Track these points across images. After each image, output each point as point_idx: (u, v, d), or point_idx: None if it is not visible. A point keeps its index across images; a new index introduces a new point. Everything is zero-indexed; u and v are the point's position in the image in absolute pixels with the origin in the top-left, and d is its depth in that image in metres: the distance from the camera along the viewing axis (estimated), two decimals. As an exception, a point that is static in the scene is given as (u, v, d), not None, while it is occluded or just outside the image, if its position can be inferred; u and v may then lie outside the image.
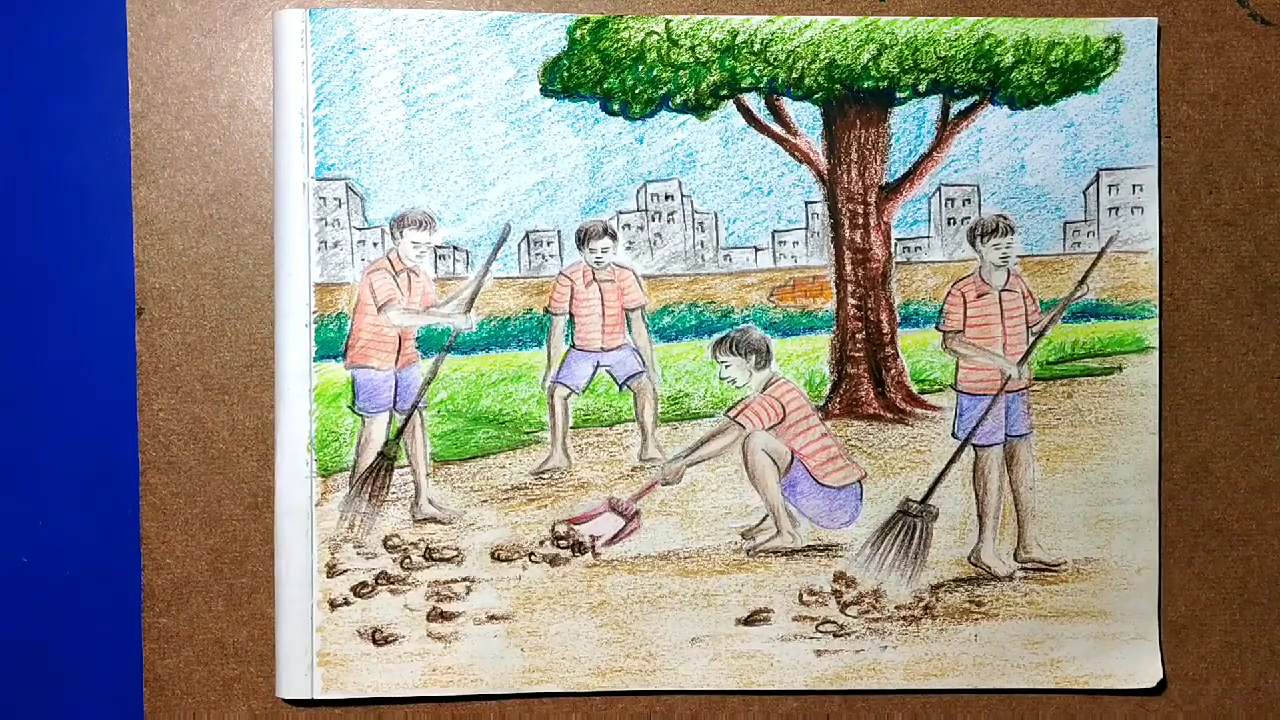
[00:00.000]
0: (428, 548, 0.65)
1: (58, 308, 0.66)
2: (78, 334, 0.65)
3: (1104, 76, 0.65)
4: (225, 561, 0.65)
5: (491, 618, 0.65)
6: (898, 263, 0.65)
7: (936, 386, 0.66)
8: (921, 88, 0.65)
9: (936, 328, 0.66)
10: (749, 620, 0.65)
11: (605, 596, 0.65)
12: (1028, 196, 0.65)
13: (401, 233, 0.64)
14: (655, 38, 0.64)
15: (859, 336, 0.65)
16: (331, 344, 0.64)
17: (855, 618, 0.65)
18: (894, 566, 0.65)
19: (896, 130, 0.65)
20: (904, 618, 0.65)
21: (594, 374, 0.65)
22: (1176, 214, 0.66)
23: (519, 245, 0.64)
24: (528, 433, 0.65)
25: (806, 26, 0.64)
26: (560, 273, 0.65)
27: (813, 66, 0.64)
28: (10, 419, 0.66)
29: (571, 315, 0.65)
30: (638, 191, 0.65)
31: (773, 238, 0.65)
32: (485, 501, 0.65)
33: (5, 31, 0.65)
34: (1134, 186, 0.65)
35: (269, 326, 0.65)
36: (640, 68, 0.64)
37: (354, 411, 0.65)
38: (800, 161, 0.65)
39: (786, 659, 0.65)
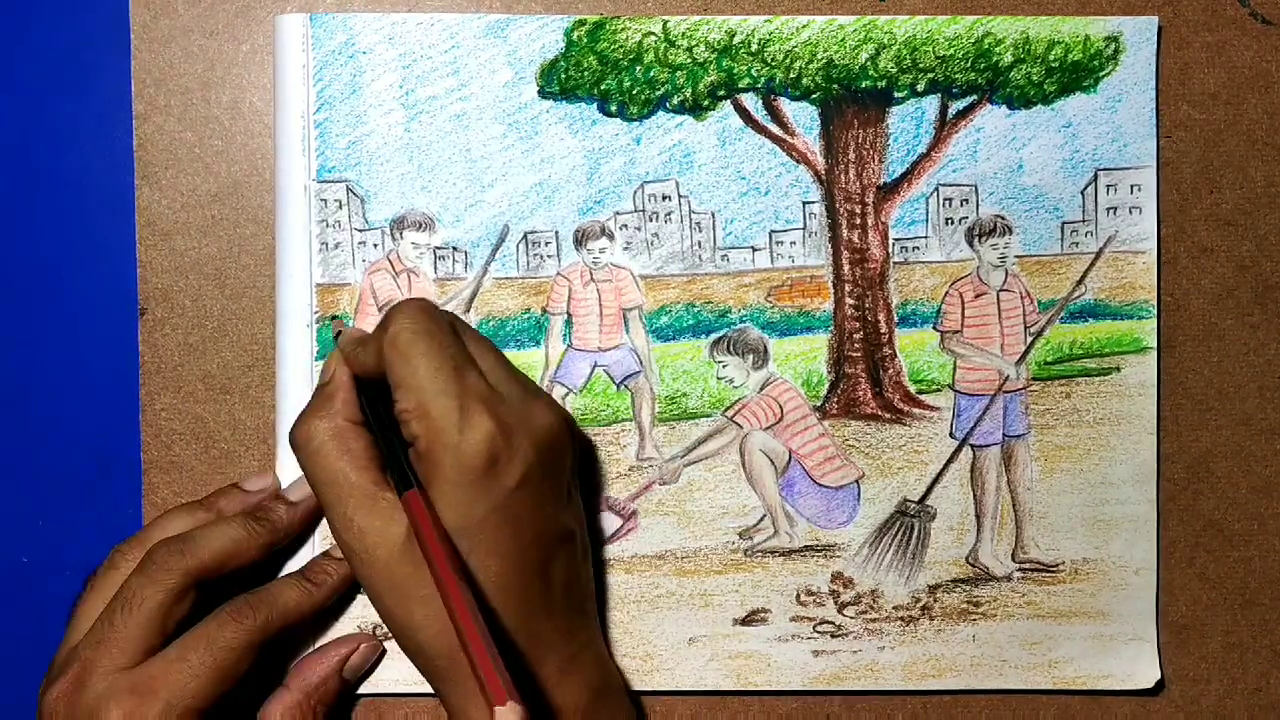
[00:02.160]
0: (426, 547, 0.65)
1: (59, 308, 0.66)
2: (79, 334, 0.66)
3: (1103, 76, 0.65)
4: (226, 561, 0.65)
5: (490, 617, 0.65)
6: (895, 263, 0.65)
7: (934, 386, 0.65)
8: (920, 87, 0.65)
9: (934, 328, 0.65)
10: (746, 620, 0.65)
11: (602, 596, 0.65)
12: (1026, 196, 0.65)
13: (401, 234, 0.65)
14: (652, 39, 0.64)
15: (856, 336, 0.65)
16: (332, 344, 0.64)
17: (853, 618, 0.65)
18: (892, 567, 0.65)
19: (894, 130, 0.65)
20: (901, 618, 0.65)
21: (591, 374, 0.65)
22: (1176, 214, 0.66)
23: (517, 246, 0.65)
24: (526, 433, 0.65)
25: (804, 26, 0.64)
26: (558, 273, 0.65)
27: (810, 66, 0.64)
28: (10, 419, 0.66)
29: (569, 315, 0.65)
30: (635, 192, 0.65)
31: (770, 238, 0.65)
32: (484, 501, 0.65)
33: (6, 31, 0.66)
34: (1132, 186, 0.65)
35: (271, 327, 0.65)
36: (637, 69, 0.64)
37: (353, 411, 0.65)
38: (798, 162, 0.65)
39: (784, 659, 0.65)
